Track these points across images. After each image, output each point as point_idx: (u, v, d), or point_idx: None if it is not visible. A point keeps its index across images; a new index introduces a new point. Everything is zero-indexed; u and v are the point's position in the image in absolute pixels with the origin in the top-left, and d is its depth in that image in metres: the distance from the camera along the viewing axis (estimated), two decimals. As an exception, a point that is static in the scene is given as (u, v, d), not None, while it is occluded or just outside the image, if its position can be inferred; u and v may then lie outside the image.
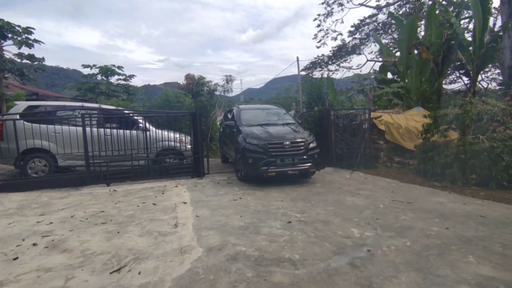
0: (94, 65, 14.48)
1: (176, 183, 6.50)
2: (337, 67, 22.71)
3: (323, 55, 22.80)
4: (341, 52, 22.09)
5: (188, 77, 13.21)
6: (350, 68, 21.52)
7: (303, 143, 6.25)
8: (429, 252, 3.21)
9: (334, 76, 21.20)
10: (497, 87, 11.73)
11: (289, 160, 6.13)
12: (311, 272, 2.84)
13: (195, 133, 7.07)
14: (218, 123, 12.78)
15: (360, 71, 19.72)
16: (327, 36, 21.72)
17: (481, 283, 2.64)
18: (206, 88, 13.08)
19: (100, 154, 6.45)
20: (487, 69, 14.30)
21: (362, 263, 3.00)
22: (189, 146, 7.34)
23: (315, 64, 23.24)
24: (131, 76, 15.17)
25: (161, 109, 10.85)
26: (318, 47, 22.24)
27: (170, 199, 5.27)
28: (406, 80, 11.16)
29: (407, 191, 5.73)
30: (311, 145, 6.38)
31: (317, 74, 22.50)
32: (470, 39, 10.46)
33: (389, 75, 12.94)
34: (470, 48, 9.95)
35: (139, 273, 2.84)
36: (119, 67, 14.79)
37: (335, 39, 22.15)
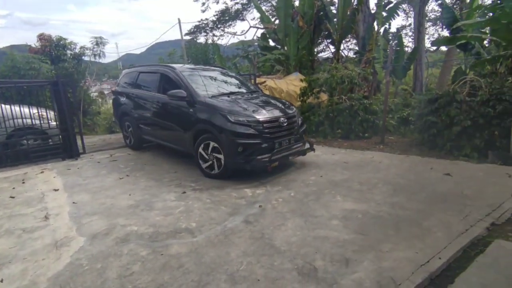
0: None
1: (41, 168, 5.37)
2: (222, 33, 22.51)
3: (207, 19, 22.10)
4: (225, 17, 21.85)
5: (43, 37, 10.57)
6: (235, 34, 21.70)
7: (295, 119, 5.00)
8: (309, 199, 3.72)
9: (219, 42, 21.03)
10: (354, 55, 13.98)
11: (286, 143, 4.71)
12: (208, 237, 2.89)
13: (60, 107, 5.85)
14: (92, 93, 11.00)
15: (245, 37, 20.18)
16: None
17: (346, 215, 3.25)
18: (70, 52, 10.83)
19: None
20: (347, 39, 16.75)
21: (255, 218, 3.24)
22: (54, 123, 6.05)
23: (199, 28, 22.37)
24: (-48, 34, 11.16)
25: (6, 78, 8.47)
26: (203, 11, 21.34)
27: (35, 188, 4.34)
28: (286, 48, 12.03)
29: (290, 148, 6.38)
30: (300, 121, 5.26)
31: (202, 39, 21.82)
32: (335, 11, 11.89)
33: (271, 43, 13.66)
34: (335, 19, 11.36)
35: (1, 281, 2.30)
36: None
37: (217, 2, 21.65)
